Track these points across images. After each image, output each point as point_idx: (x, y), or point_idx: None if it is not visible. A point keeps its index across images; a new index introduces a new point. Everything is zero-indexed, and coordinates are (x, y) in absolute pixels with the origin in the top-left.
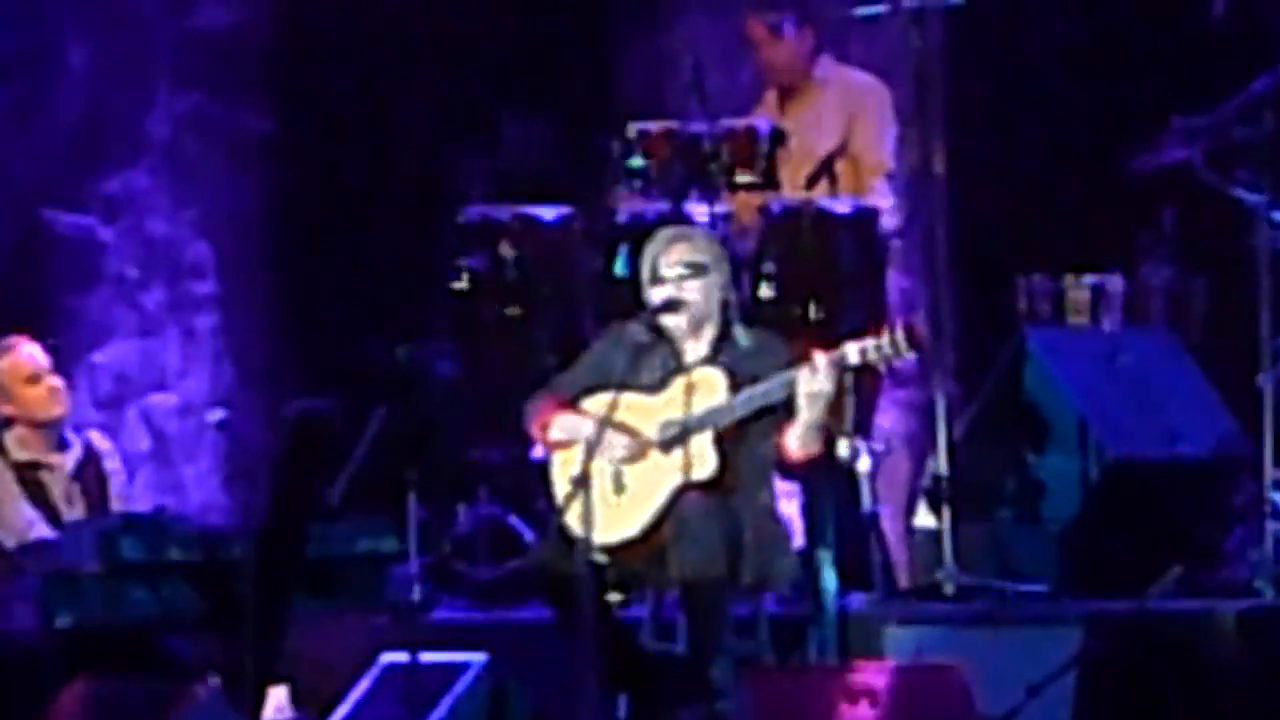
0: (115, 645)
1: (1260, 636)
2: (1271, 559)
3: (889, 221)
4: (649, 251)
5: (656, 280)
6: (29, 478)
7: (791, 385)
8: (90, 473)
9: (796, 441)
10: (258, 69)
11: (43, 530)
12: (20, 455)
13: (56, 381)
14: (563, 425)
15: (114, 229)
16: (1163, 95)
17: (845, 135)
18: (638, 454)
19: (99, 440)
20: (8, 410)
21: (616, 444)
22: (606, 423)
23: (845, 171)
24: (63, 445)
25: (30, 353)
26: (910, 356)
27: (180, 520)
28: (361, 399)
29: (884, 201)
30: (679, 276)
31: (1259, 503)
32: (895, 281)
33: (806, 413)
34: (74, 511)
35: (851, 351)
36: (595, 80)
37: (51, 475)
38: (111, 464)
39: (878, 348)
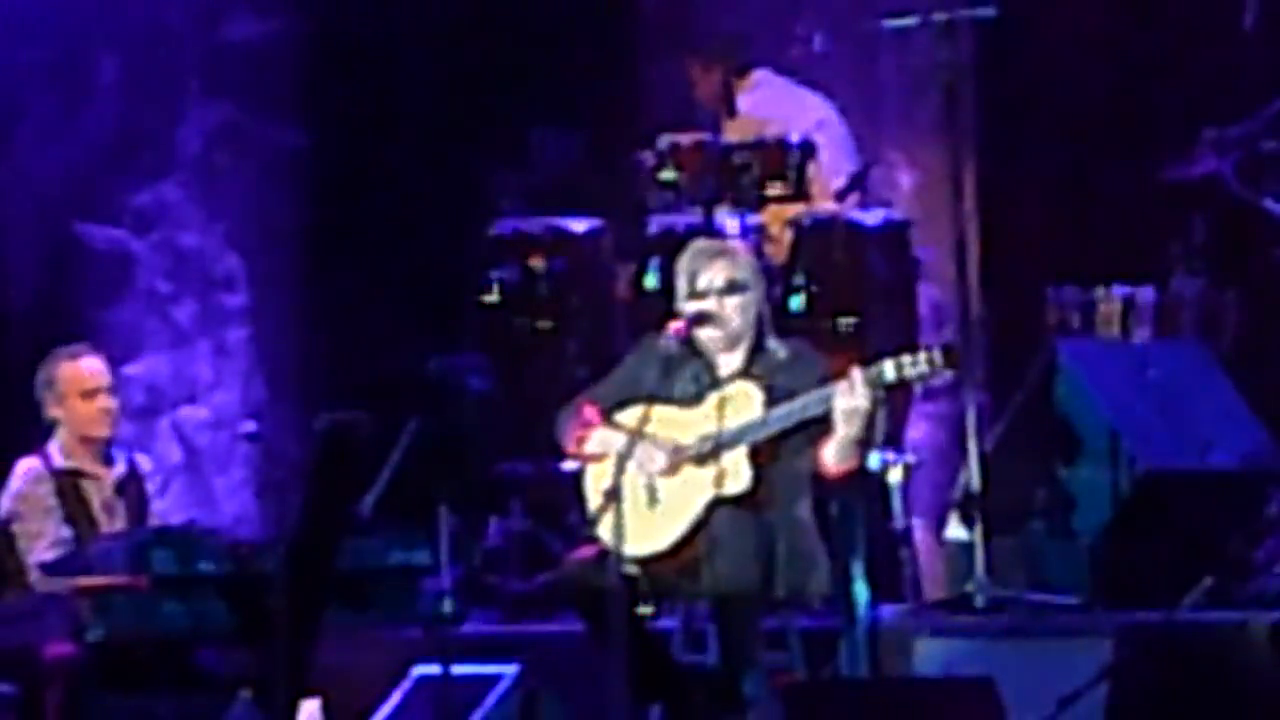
0: (147, 659)
1: None
2: None
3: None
4: (686, 264)
5: (694, 294)
6: (69, 486)
7: (828, 401)
8: (132, 489)
9: (834, 457)
10: (289, 82)
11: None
12: (63, 463)
13: (111, 403)
14: (600, 439)
15: (145, 242)
16: (1193, 107)
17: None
18: (675, 465)
19: (144, 462)
20: (57, 414)
21: (654, 455)
22: (639, 435)
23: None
24: (108, 460)
25: (93, 367)
26: (947, 375)
27: (211, 533)
28: (393, 412)
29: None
30: (719, 292)
31: None
32: (926, 293)
33: (844, 429)
34: (114, 524)
35: (889, 369)
36: (626, 93)
37: (93, 485)
38: (152, 487)
39: (914, 365)
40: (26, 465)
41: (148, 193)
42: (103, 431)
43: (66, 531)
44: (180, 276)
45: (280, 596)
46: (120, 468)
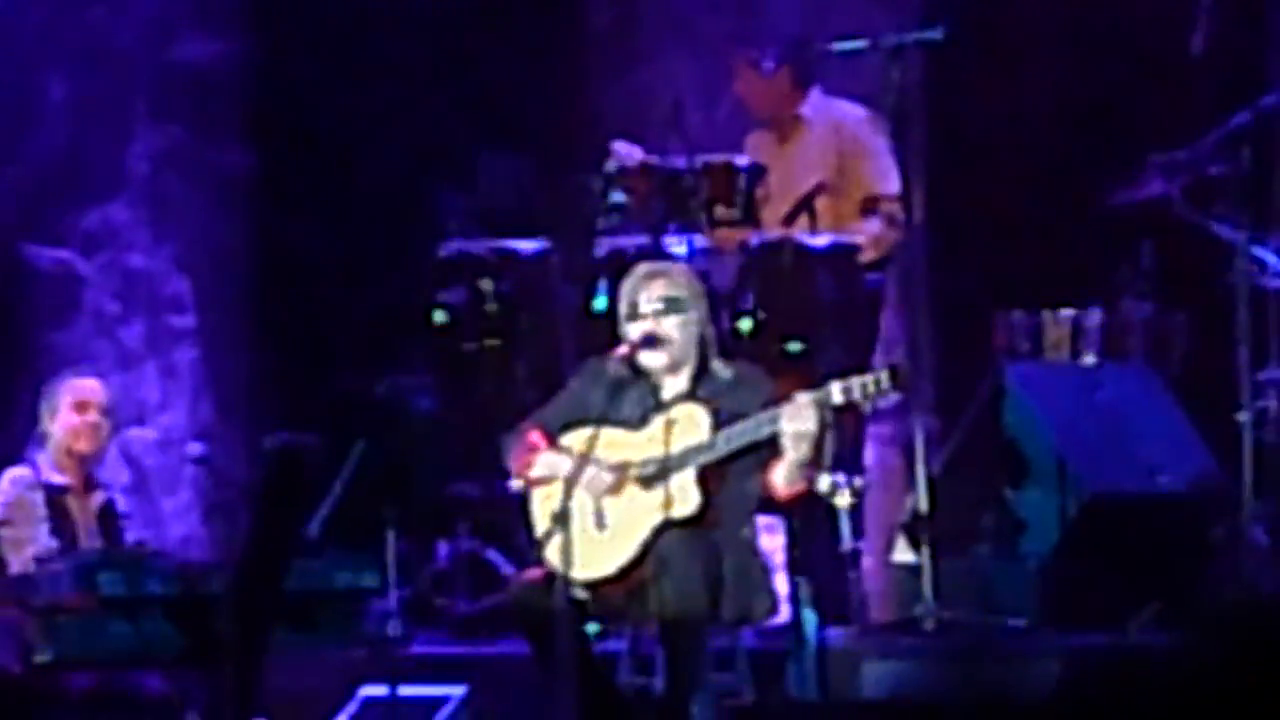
0: (94, 681)
1: (1238, 672)
2: (1250, 593)
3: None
4: (626, 287)
5: (634, 316)
6: (56, 501)
7: (775, 424)
8: (112, 525)
9: (783, 480)
10: (237, 104)
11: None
12: (52, 477)
13: (100, 419)
14: (544, 463)
15: (93, 263)
16: (1141, 130)
17: (834, 171)
18: (619, 485)
19: (121, 502)
20: (49, 427)
21: (599, 476)
22: (586, 459)
23: (827, 207)
24: (92, 484)
25: (90, 384)
26: (895, 397)
27: (159, 554)
28: (341, 433)
29: (863, 236)
30: (657, 312)
31: (1236, 537)
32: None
33: (792, 452)
34: (94, 545)
35: (836, 391)
36: (574, 115)
37: (77, 503)
38: (125, 527)
39: (862, 387)
40: (18, 473)
41: (95, 214)
42: (86, 445)
43: (54, 542)
44: (128, 298)
45: (228, 618)
46: (101, 496)
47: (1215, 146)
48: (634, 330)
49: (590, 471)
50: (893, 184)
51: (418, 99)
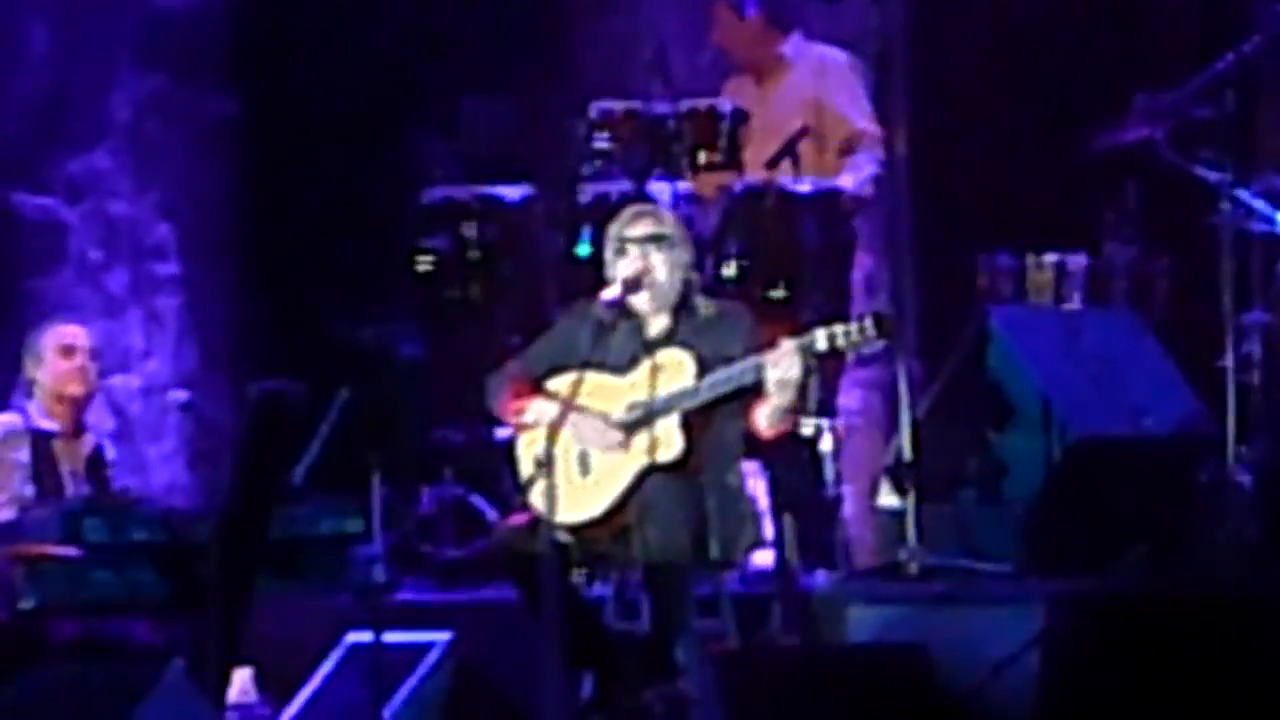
0: (78, 628)
1: (1222, 615)
2: (1234, 537)
3: (863, 191)
4: (613, 227)
5: (621, 251)
6: (44, 448)
7: (759, 370)
8: (99, 472)
9: (766, 423)
10: (221, 51)
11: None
12: (39, 423)
13: (87, 363)
14: (535, 409)
15: (77, 210)
16: (1125, 74)
17: (814, 115)
18: (611, 441)
19: (109, 450)
20: (35, 373)
21: (589, 428)
22: (573, 405)
23: (809, 151)
24: (80, 430)
25: (73, 329)
26: (878, 345)
27: (144, 501)
28: (325, 380)
29: (850, 178)
30: (643, 242)
31: (1222, 481)
32: (858, 261)
33: (776, 398)
34: (79, 491)
35: (820, 338)
36: (558, 61)
37: (65, 450)
38: (112, 473)
39: (846, 334)
40: (5, 419)
41: (79, 161)
42: (76, 388)
43: (29, 490)
44: (112, 245)
45: (213, 565)
46: (91, 441)
47: (1200, 90)
48: (622, 267)
49: (581, 420)
50: (874, 127)
51: (402, 44)
